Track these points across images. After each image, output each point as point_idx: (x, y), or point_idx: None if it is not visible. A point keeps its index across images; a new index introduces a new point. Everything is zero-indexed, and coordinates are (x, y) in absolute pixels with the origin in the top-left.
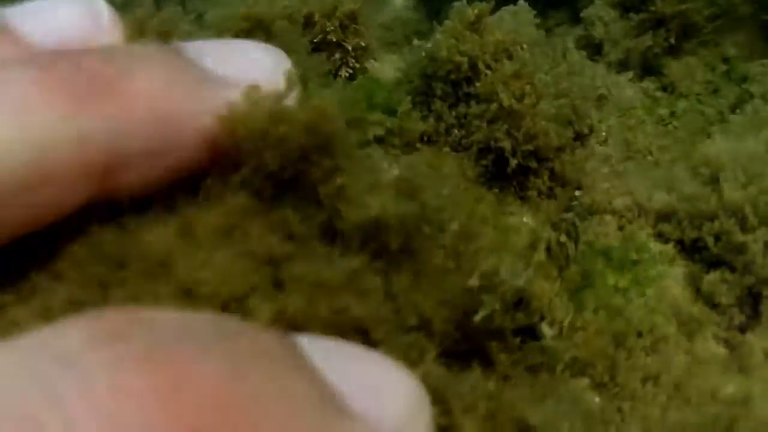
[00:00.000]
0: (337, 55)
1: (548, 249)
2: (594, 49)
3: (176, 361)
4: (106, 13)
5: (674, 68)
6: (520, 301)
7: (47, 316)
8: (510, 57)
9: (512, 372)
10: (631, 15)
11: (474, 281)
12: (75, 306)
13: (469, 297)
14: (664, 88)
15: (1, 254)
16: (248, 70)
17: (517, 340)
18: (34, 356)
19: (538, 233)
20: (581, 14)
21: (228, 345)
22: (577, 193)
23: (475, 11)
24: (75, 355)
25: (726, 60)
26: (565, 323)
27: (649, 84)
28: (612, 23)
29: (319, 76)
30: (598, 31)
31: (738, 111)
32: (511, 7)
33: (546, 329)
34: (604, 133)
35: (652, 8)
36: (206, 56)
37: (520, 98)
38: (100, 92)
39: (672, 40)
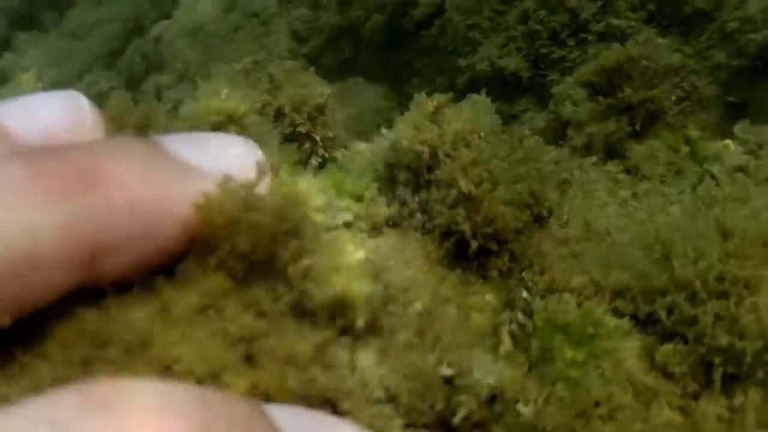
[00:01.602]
0: (307, 145)
1: (509, 327)
2: (559, 134)
3: (158, 427)
4: (88, 108)
5: (637, 151)
6: (494, 396)
7: (36, 392)
8: (468, 145)
9: None
10: (600, 98)
11: (446, 370)
12: (60, 384)
13: (439, 380)
14: (627, 171)
15: None
16: (221, 160)
17: (482, 412)
18: (32, 424)
19: (498, 312)
20: (552, 91)
21: (204, 409)
22: (526, 274)
23: (435, 103)
24: (68, 425)
25: (689, 142)
26: (540, 402)
27: (612, 167)
28: (581, 103)
29: (290, 165)
30: (566, 110)
31: (700, 190)
32: (471, 97)
33: (522, 409)
34: (565, 216)
35: (620, 95)
36: (182, 148)
37: (477, 184)
38: (85, 184)
39: (637, 126)
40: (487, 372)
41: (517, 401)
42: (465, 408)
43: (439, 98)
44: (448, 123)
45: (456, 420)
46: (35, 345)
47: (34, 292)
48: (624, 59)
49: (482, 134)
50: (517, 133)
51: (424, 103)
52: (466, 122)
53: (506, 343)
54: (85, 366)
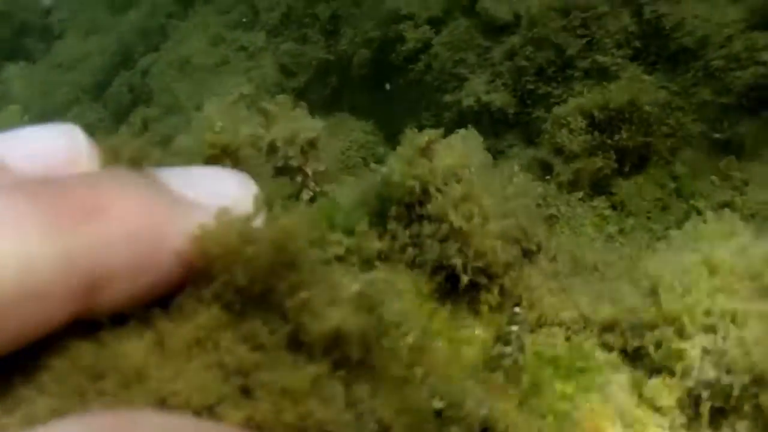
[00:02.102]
0: (299, 179)
1: (494, 359)
2: (545, 170)
3: None
4: (84, 141)
5: (624, 187)
6: (486, 429)
7: (32, 424)
8: (459, 180)
9: None
10: (596, 133)
11: (438, 403)
12: (56, 415)
13: (431, 414)
14: (613, 207)
15: None
16: (217, 193)
17: None
18: None
19: (489, 345)
20: (543, 126)
21: None
22: (517, 309)
23: (426, 138)
24: None
25: (675, 178)
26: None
27: (599, 203)
28: (577, 133)
29: (282, 199)
30: (561, 137)
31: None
32: (460, 132)
33: None
34: (553, 251)
35: (617, 137)
36: (178, 181)
37: (468, 219)
38: (84, 216)
39: (626, 168)
40: (480, 404)
41: None
42: None
43: (430, 133)
44: (440, 158)
45: None
46: (31, 376)
47: (32, 323)
48: (626, 102)
49: (473, 169)
50: (506, 169)
51: (416, 138)
52: (457, 157)
53: (499, 375)
54: (81, 398)
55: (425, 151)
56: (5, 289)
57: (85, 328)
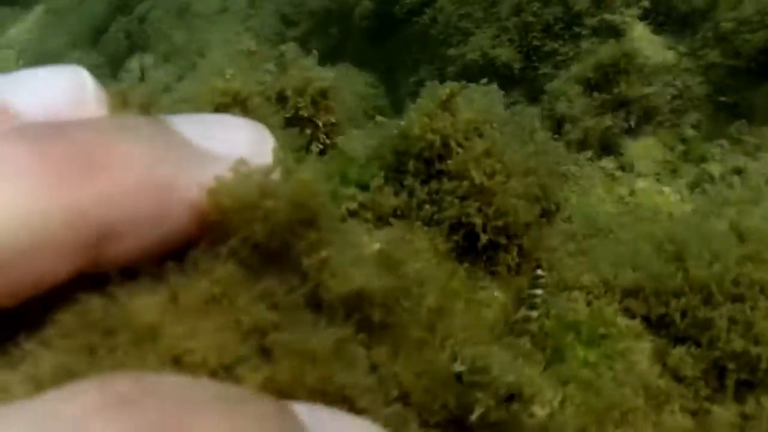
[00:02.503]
0: (308, 131)
1: (518, 323)
2: (554, 128)
3: (184, 427)
4: (91, 84)
5: (633, 148)
6: (512, 395)
7: (37, 382)
8: (481, 135)
9: None
10: (595, 94)
11: (459, 367)
12: (64, 373)
13: (451, 378)
14: (622, 168)
15: None
16: (232, 144)
17: (496, 413)
18: (46, 423)
19: (508, 308)
20: (546, 88)
21: (231, 412)
22: (539, 271)
23: (447, 90)
24: (86, 422)
25: (684, 140)
26: (555, 403)
27: (608, 163)
28: (576, 99)
29: (293, 151)
30: (561, 107)
31: (697, 190)
32: (480, 86)
33: (538, 410)
34: (568, 211)
35: (616, 90)
36: (191, 129)
37: (491, 176)
38: (90, 166)
39: (632, 123)
40: (507, 369)
41: (532, 402)
42: (482, 406)
43: (451, 86)
44: (461, 112)
45: (473, 417)
46: (38, 332)
47: (37, 276)
48: (620, 55)
49: (495, 124)
50: (528, 125)
51: (436, 90)
52: (479, 112)
53: (526, 341)
54: (90, 355)
55: (446, 105)
56: (8, 240)
57: (95, 282)
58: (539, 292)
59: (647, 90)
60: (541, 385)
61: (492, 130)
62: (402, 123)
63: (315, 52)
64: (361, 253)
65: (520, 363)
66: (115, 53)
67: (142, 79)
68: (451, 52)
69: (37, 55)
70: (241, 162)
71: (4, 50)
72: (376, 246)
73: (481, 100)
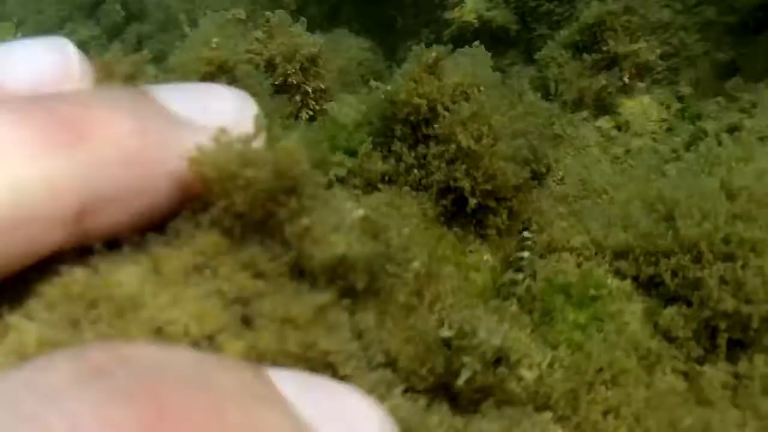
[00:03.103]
0: (298, 98)
1: (505, 286)
2: (548, 89)
3: (159, 396)
4: (75, 56)
5: (628, 107)
6: (499, 358)
7: (21, 354)
8: (467, 99)
9: (476, 408)
10: (585, 56)
11: (446, 332)
12: (47, 345)
13: (438, 343)
14: (618, 127)
15: None
16: (215, 113)
17: (483, 377)
18: (21, 393)
19: (497, 272)
20: (535, 56)
21: (206, 380)
22: (527, 233)
23: (433, 54)
24: (61, 392)
25: (680, 98)
26: (544, 366)
27: (603, 123)
28: (566, 64)
29: (282, 118)
30: (552, 72)
31: (693, 148)
32: (467, 50)
33: (526, 373)
34: (560, 173)
35: (605, 48)
36: (174, 99)
37: (478, 139)
38: (72, 136)
39: (626, 80)
40: (493, 333)
41: (519, 365)
42: (469, 369)
43: (437, 50)
44: (448, 76)
45: (459, 381)
46: (21, 304)
47: (19, 249)
48: (605, 13)
49: (482, 88)
50: (516, 87)
51: (423, 54)
52: (465, 75)
53: (512, 304)
54: (73, 327)
55: (432, 68)
56: None
57: (77, 254)
58: (526, 254)
59: (635, 46)
60: (528, 348)
61: (479, 93)
62: (389, 88)
63: (303, 19)
64: (343, 220)
65: (507, 326)
66: (112, 24)
67: (138, 48)
68: (447, 15)
69: (35, 27)
70: (222, 131)
71: (2, 22)
72: (359, 212)
73: (467, 64)
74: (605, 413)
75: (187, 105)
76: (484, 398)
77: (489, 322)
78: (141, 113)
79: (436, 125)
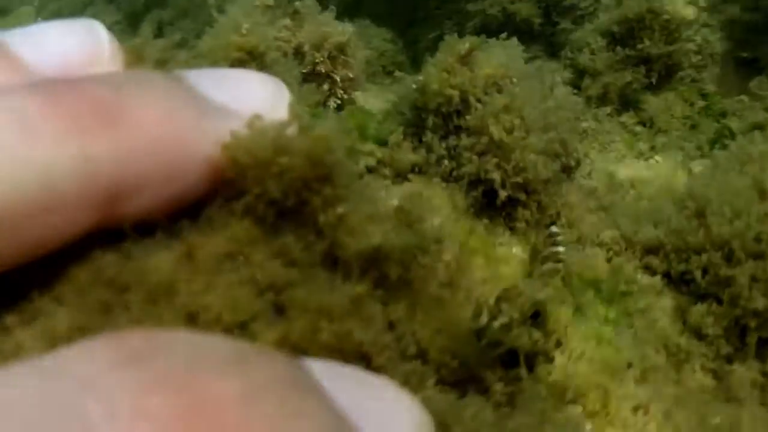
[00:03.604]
0: (326, 86)
1: (542, 280)
2: (574, 82)
3: (196, 384)
4: (105, 39)
5: (653, 103)
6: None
7: (51, 339)
8: (500, 91)
9: (506, 400)
10: (618, 49)
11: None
12: (78, 330)
13: (470, 336)
14: (642, 123)
15: (5, 277)
16: (248, 99)
17: (515, 371)
18: (58, 379)
19: (526, 265)
20: (570, 37)
21: (243, 369)
22: (555, 228)
23: (467, 45)
24: (98, 378)
25: (704, 96)
26: (576, 352)
27: (628, 119)
28: (599, 52)
29: (311, 106)
30: (583, 59)
31: (717, 146)
32: (500, 41)
33: (558, 356)
34: (588, 167)
35: (640, 46)
36: (207, 85)
37: (509, 131)
38: (104, 119)
39: (653, 80)
40: (536, 289)
41: (559, 344)
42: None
43: (471, 40)
44: (480, 67)
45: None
46: (51, 289)
47: (50, 233)
48: (645, 10)
49: (514, 79)
50: (548, 80)
51: (455, 45)
52: (498, 66)
53: (557, 280)
54: (105, 312)
55: (465, 59)
56: (20, 195)
57: (109, 239)
58: (561, 249)
59: (670, 47)
60: (565, 323)
61: (511, 85)
62: (420, 78)
63: (332, 7)
64: (378, 210)
65: (551, 291)
66: (132, 9)
67: (159, 35)
68: (471, 7)
69: (56, 12)
70: (257, 117)
71: (24, 6)
72: (394, 202)
73: (500, 55)
74: (635, 409)
75: (220, 91)
76: (517, 392)
77: (533, 284)
78: (173, 98)
79: (467, 116)
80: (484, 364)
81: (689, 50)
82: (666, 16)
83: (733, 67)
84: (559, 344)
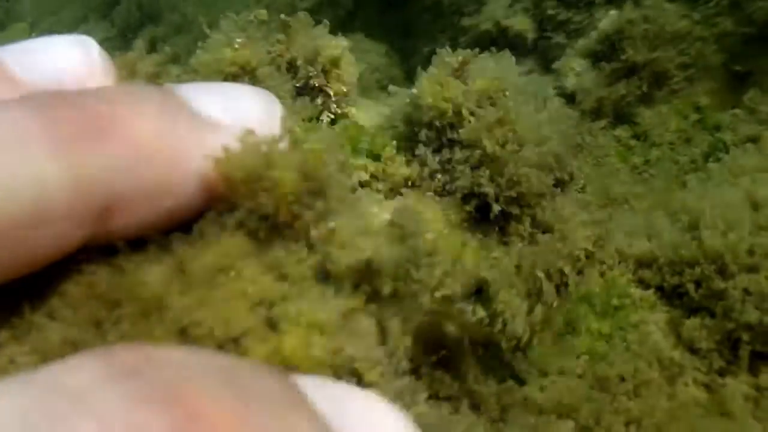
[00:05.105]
0: (319, 100)
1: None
2: (567, 97)
3: (188, 400)
4: (98, 53)
5: (647, 117)
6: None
7: (43, 354)
8: (493, 104)
9: (498, 415)
10: (603, 64)
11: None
12: (70, 345)
13: (464, 350)
14: (636, 137)
15: None
16: (241, 113)
17: (507, 385)
18: (49, 394)
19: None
20: (553, 66)
21: (235, 385)
22: (559, 245)
23: (459, 58)
24: (90, 393)
25: (698, 109)
26: (569, 367)
27: (621, 132)
28: (584, 73)
29: (303, 121)
30: (570, 82)
31: (711, 159)
32: (493, 54)
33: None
34: (581, 181)
35: (623, 57)
36: (199, 99)
37: (503, 145)
38: (96, 133)
39: (644, 89)
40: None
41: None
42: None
43: (463, 53)
44: (473, 80)
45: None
46: (43, 303)
47: (42, 247)
48: (624, 22)
49: (508, 93)
50: (541, 93)
51: (449, 58)
52: (491, 79)
53: (537, 312)
54: (96, 327)
55: (458, 73)
56: (12, 210)
57: (101, 253)
58: (557, 263)
59: (653, 54)
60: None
61: (505, 98)
62: (414, 92)
63: (326, 21)
64: (370, 224)
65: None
66: (126, 25)
67: (152, 50)
68: (465, 21)
69: (50, 27)
70: (249, 131)
71: (17, 23)
72: (386, 216)
73: (493, 68)
74: (627, 424)
75: (212, 105)
76: (509, 406)
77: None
78: (166, 112)
79: (461, 130)
80: (476, 379)
81: (674, 57)
82: (645, 25)
83: (727, 79)
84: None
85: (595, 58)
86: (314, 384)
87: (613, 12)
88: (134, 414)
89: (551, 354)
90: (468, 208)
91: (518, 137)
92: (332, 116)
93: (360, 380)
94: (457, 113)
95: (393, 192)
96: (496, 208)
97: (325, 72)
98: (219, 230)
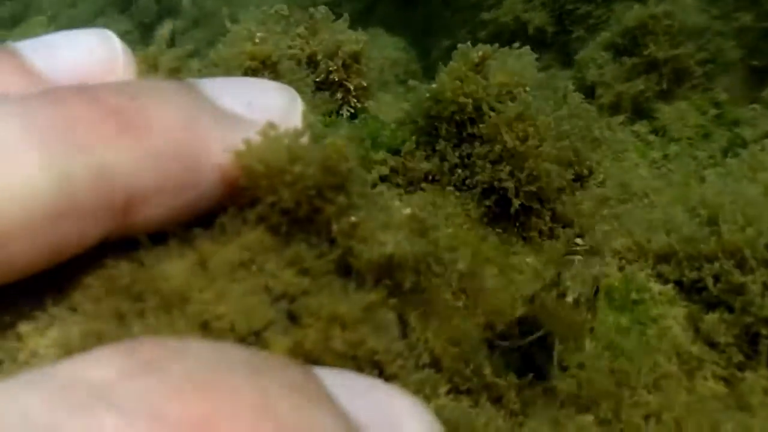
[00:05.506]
0: (339, 95)
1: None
2: (586, 92)
3: (211, 393)
4: (119, 48)
5: (666, 112)
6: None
7: (65, 347)
8: (513, 99)
9: (519, 409)
10: (624, 59)
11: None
12: (92, 338)
13: (483, 344)
14: (655, 132)
15: (20, 284)
16: (262, 107)
17: (527, 378)
18: (72, 387)
19: (540, 274)
20: (575, 57)
21: (258, 378)
22: (579, 240)
23: (480, 53)
24: (113, 386)
25: (717, 104)
26: (588, 361)
27: (640, 127)
28: (605, 66)
29: (324, 115)
30: (592, 74)
31: (730, 155)
32: (513, 49)
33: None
34: (601, 175)
35: (645, 52)
36: (221, 93)
37: (523, 140)
38: (120, 128)
39: (664, 85)
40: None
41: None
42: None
43: (484, 48)
44: (493, 75)
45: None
46: (65, 297)
47: (65, 240)
48: (647, 17)
49: (528, 88)
50: (561, 88)
51: (468, 53)
52: (511, 75)
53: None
54: (119, 320)
55: (478, 68)
56: (36, 204)
57: (123, 247)
58: (577, 258)
59: (676, 51)
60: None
61: (525, 93)
62: (434, 86)
63: (346, 15)
64: (391, 219)
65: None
66: (145, 19)
67: (171, 44)
68: (484, 16)
69: (69, 21)
70: (270, 126)
71: (36, 16)
72: (407, 211)
73: (513, 63)
74: (646, 417)
75: (234, 99)
76: (530, 400)
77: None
78: (188, 106)
79: (481, 125)
80: (496, 372)
81: (697, 55)
82: (667, 21)
83: (746, 75)
84: (564, 369)
85: (617, 51)
86: (336, 377)
87: (636, 6)
88: (157, 407)
89: (571, 348)
90: (488, 202)
91: (538, 132)
92: (352, 111)
93: (381, 372)
94: (477, 108)
95: (413, 186)
96: (516, 202)
97: (345, 66)
98: (240, 224)
